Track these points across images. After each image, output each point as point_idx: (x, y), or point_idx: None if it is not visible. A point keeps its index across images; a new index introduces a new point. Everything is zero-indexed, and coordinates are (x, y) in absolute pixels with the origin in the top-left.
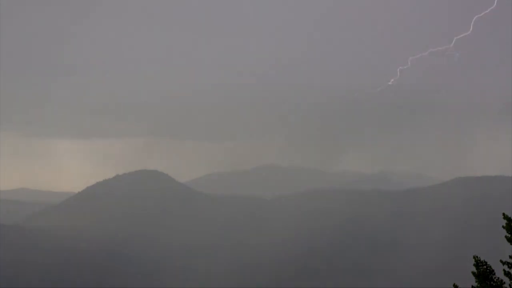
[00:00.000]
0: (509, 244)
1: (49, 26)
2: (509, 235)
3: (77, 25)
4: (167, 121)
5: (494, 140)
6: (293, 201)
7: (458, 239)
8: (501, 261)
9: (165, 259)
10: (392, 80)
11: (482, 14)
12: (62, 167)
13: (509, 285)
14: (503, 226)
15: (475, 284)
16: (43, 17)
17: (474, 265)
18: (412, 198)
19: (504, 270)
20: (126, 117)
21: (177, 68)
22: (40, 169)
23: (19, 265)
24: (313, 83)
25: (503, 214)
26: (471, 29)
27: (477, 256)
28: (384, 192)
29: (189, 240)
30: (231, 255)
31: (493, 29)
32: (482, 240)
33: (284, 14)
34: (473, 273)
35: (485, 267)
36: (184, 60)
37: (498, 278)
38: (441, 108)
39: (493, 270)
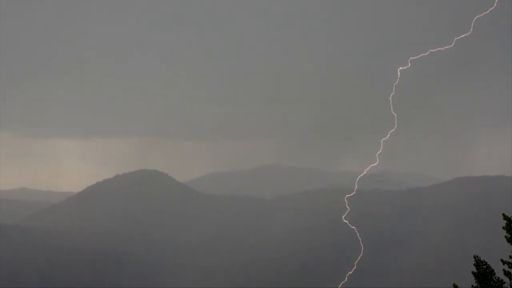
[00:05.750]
0: (509, 244)
1: (48, 25)
2: (509, 235)
3: (77, 25)
4: (167, 121)
5: (494, 140)
6: (293, 201)
7: (458, 239)
8: (501, 260)
9: (165, 258)
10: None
11: (482, 15)
12: (62, 167)
13: (509, 285)
14: (503, 227)
15: (475, 284)
16: (43, 17)
17: (474, 265)
18: (412, 198)
19: (504, 270)
20: (126, 117)
21: (176, 68)
22: (40, 169)
23: (19, 265)
24: (313, 83)
25: (503, 214)
26: (471, 29)
27: (477, 256)
28: (384, 192)
29: (189, 240)
30: (231, 255)
31: (493, 29)
32: (482, 240)
33: (284, 14)
34: (473, 273)
35: (485, 267)
36: (183, 60)
37: (498, 278)
38: (441, 108)
39: (493, 270)
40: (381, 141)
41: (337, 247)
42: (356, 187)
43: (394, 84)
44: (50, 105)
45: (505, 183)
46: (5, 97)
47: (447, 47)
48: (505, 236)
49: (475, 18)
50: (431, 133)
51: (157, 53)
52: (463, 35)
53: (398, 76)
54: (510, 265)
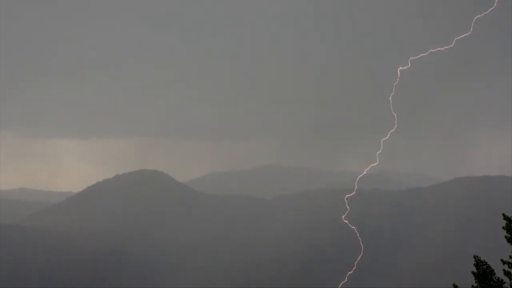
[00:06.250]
0: (509, 244)
1: (48, 25)
2: (509, 235)
3: (77, 25)
4: (167, 121)
5: (494, 140)
6: (293, 201)
7: (458, 239)
8: (501, 260)
9: (165, 258)
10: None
11: (482, 15)
12: (62, 167)
13: (510, 285)
14: (503, 227)
15: (475, 284)
16: (43, 17)
17: (474, 265)
18: (412, 198)
19: (504, 270)
20: (126, 117)
21: (176, 68)
22: (40, 169)
23: (19, 265)
24: (313, 84)
25: (503, 214)
26: (471, 29)
27: (477, 256)
28: (384, 192)
29: (189, 240)
30: (231, 255)
31: (493, 29)
32: (482, 240)
33: (284, 14)
34: (473, 273)
35: (485, 267)
36: (183, 60)
37: (498, 278)
38: (441, 108)
39: (493, 270)
40: (381, 141)
41: (337, 247)
42: (356, 187)
43: (394, 84)
44: (50, 105)
45: (505, 183)
46: (5, 97)
47: (447, 47)
48: (505, 236)
49: (475, 18)
50: (431, 133)
51: (157, 53)
52: (463, 35)
53: (398, 76)
54: (510, 265)
